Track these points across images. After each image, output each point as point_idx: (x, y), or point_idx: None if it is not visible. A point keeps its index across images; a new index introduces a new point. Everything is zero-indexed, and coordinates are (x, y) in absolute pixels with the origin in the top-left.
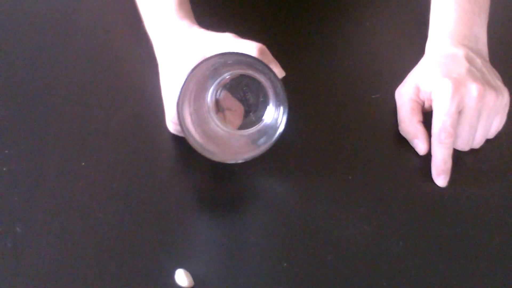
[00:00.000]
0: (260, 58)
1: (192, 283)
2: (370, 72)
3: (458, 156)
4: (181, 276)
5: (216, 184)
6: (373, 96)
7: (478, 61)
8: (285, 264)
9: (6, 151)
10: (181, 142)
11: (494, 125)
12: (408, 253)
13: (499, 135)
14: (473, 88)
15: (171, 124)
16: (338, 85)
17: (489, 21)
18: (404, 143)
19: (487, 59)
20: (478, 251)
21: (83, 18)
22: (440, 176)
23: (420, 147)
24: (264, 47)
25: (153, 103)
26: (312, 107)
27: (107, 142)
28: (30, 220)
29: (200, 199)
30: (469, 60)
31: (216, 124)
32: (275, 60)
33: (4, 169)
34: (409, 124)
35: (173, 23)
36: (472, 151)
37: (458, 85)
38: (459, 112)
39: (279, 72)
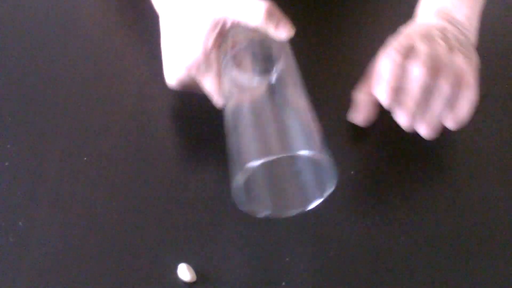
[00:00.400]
0: (267, 20)
1: (195, 278)
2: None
3: (457, 154)
4: (184, 271)
5: (218, 178)
6: None
7: (450, 29)
8: (287, 259)
9: (8, 146)
10: (183, 137)
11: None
12: (410, 248)
13: (499, 135)
14: (423, 47)
15: (177, 73)
16: (339, 86)
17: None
18: (406, 139)
19: (469, 37)
20: (479, 247)
21: (85, 13)
22: (380, 88)
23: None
24: (272, 7)
25: (155, 99)
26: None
27: (109, 137)
28: (32, 214)
29: (202, 194)
30: (439, 29)
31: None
32: (283, 19)
33: (6, 163)
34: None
35: None
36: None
37: (406, 38)
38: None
39: (288, 31)
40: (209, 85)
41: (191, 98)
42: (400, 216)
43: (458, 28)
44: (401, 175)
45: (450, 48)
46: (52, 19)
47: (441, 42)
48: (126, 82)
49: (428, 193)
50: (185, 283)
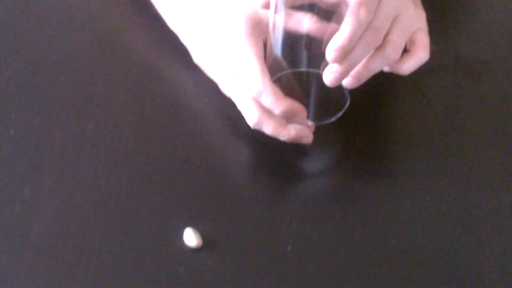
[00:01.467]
0: None
1: (201, 243)
2: None
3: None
4: (190, 235)
5: (225, 143)
6: None
7: None
8: (293, 224)
9: (13, 115)
10: (189, 103)
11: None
12: (415, 216)
13: (499, 135)
14: None
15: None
16: None
17: None
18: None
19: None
20: (486, 214)
21: None
22: (335, 55)
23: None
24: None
25: (158, 65)
26: None
27: (113, 104)
28: (38, 182)
29: (209, 160)
30: None
31: None
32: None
33: (11, 132)
34: None
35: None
36: None
37: None
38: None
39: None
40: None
41: (196, 67)
42: (406, 181)
43: None
44: (408, 139)
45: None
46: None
47: None
48: (129, 50)
49: (435, 158)
50: (191, 248)
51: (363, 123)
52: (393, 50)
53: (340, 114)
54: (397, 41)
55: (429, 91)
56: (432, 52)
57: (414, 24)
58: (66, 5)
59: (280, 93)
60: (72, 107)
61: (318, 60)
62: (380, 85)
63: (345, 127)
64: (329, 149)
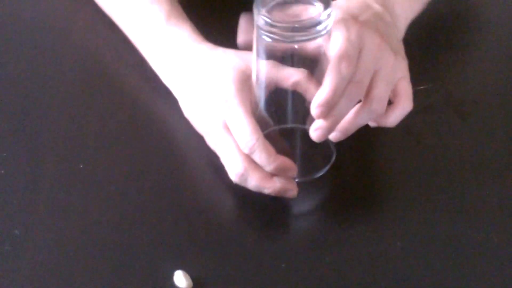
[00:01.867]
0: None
1: (191, 285)
2: None
3: (456, 155)
4: (180, 278)
5: (213, 184)
6: None
7: (388, 20)
8: (283, 265)
9: (4, 154)
10: (179, 144)
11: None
12: (406, 254)
13: (488, 173)
14: (375, 35)
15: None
16: None
17: None
18: (403, 141)
19: (400, 36)
20: (476, 251)
21: (80, 20)
22: (319, 111)
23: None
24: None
25: (149, 106)
26: None
27: (104, 144)
28: (29, 222)
29: (197, 200)
30: (378, 13)
31: None
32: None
33: (2, 171)
34: None
35: (193, 48)
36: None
37: (360, 24)
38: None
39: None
40: None
41: None
42: (397, 220)
43: (394, 24)
44: (398, 178)
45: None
46: (47, 27)
47: (383, 29)
48: (121, 90)
49: (424, 196)
50: None
51: (352, 162)
52: (378, 105)
53: (326, 168)
54: (381, 95)
55: (418, 131)
56: (422, 92)
57: (396, 74)
58: (56, 44)
59: (272, 149)
60: (63, 147)
61: (303, 115)
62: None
63: (334, 167)
64: (318, 189)
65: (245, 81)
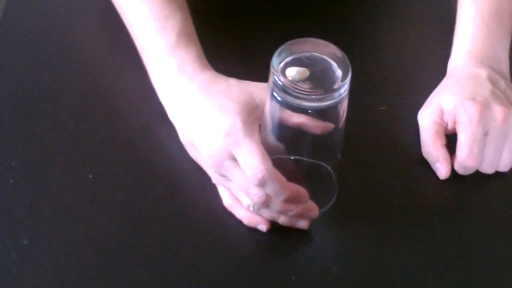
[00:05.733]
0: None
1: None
2: (376, 83)
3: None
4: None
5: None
6: (381, 108)
7: (501, 82)
8: (293, 278)
9: (13, 163)
10: (184, 153)
11: None
12: (415, 265)
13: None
14: (498, 111)
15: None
16: None
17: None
18: (412, 156)
19: (510, 79)
20: (480, 259)
21: (88, 26)
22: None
23: (441, 171)
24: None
25: (158, 114)
26: None
27: (113, 154)
28: (37, 232)
29: (204, 210)
30: (492, 82)
31: None
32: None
33: (11, 181)
34: (432, 147)
35: (199, 75)
36: (499, 174)
37: (483, 109)
38: (484, 135)
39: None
40: None
41: None
42: (404, 231)
43: (503, 76)
44: (403, 191)
45: (509, 106)
46: (56, 29)
47: (502, 99)
48: (130, 97)
49: (430, 207)
50: None
51: (357, 175)
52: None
53: (329, 205)
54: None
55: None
56: None
57: None
58: (66, 52)
59: (283, 178)
60: (71, 157)
61: (306, 149)
62: (370, 154)
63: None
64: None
65: (248, 112)
